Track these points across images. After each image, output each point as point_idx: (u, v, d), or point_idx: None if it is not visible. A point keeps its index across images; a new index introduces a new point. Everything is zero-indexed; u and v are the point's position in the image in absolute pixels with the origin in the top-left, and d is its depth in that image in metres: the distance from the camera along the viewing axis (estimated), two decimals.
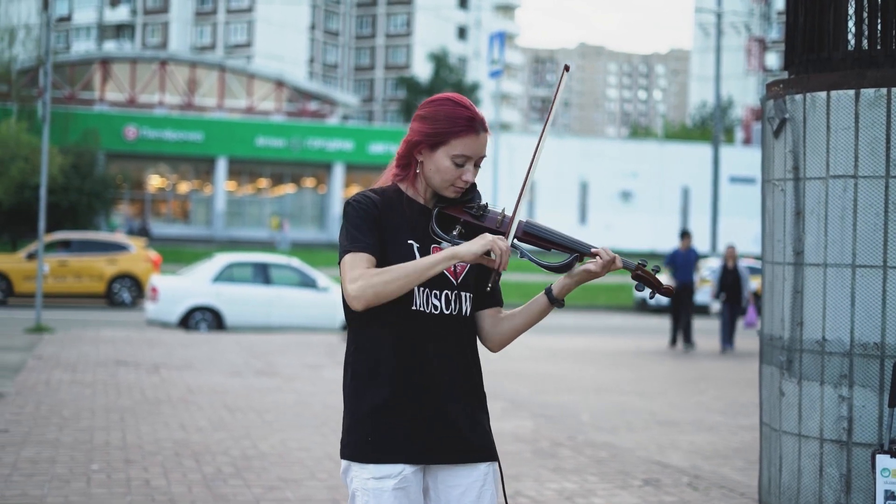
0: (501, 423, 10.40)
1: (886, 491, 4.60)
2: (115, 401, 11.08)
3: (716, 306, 20.59)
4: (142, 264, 27.92)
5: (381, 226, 3.26)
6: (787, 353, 5.02)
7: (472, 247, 3.14)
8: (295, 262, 22.40)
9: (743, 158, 63.66)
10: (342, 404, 3.39)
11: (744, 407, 12.22)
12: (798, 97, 4.99)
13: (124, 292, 27.80)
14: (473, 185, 3.38)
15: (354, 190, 63.24)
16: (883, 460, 4.60)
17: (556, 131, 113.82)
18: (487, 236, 3.14)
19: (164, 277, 22.35)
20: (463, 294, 3.35)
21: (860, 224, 4.81)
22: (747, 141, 72.27)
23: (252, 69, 69.01)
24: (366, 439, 3.24)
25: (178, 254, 42.96)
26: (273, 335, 19.65)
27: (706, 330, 22.64)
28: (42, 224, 19.49)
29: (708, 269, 27.25)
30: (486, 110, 77.43)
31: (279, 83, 66.47)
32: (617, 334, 23.52)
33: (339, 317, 21.28)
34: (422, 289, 3.26)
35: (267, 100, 65.78)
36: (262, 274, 21.45)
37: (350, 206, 3.28)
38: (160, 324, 20.75)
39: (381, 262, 3.22)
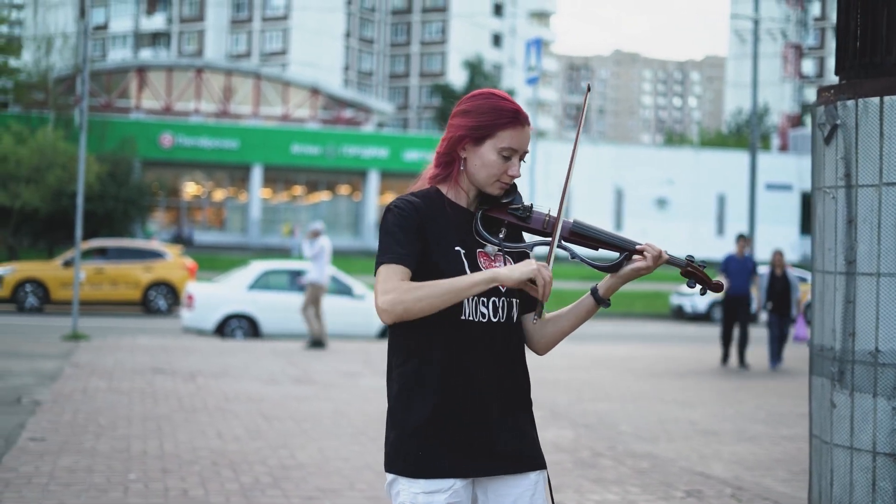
0: (541, 433, 10.21)
1: None
2: (151, 409, 11.06)
3: (763, 316, 18.67)
4: (178, 272, 28.01)
5: (424, 233, 3.17)
6: (839, 363, 4.90)
7: (514, 273, 3.07)
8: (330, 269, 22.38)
9: (779, 165, 63.31)
10: (382, 413, 3.32)
11: (784, 417, 12.07)
12: (850, 103, 4.88)
13: (160, 299, 27.90)
14: (514, 187, 3.32)
15: (390, 197, 63.45)
16: None
17: (590, 138, 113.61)
18: (533, 263, 3.09)
19: (200, 285, 22.39)
20: (511, 301, 3.27)
21: None
22: (783, 148, 71.85)
23: (287, 77, 69.23)
24: (416, 454, 3.15)
25: (213, 261, 43.09)
26: None
27: (754, 339, 22.13)
28: (79, 231, 19.56)
29: None
30: (532, 117, 77.16)
31: (314, 91, 66.61)
32: (654, 342, 23.34)
33: (376, 324, 21.26)
34: (471, 298, 3.17)
35: (302, 107, 65.94)
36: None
37: (390, 212, 3.18)
38: (196, 331, 20.78)
39: (429, 271, 3.14)
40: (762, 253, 38.58)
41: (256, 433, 9.85)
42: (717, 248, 59.59)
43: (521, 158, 3.26)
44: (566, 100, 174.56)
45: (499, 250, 3.29)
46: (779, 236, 57.37)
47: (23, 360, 14.89)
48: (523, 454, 3.25)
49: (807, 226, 65.34)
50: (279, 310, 21.00)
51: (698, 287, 3.37)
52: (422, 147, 60.09)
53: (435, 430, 3.15)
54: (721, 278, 17.34)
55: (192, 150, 56.99)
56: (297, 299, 21.15)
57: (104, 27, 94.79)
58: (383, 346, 19.14)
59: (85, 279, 26.54)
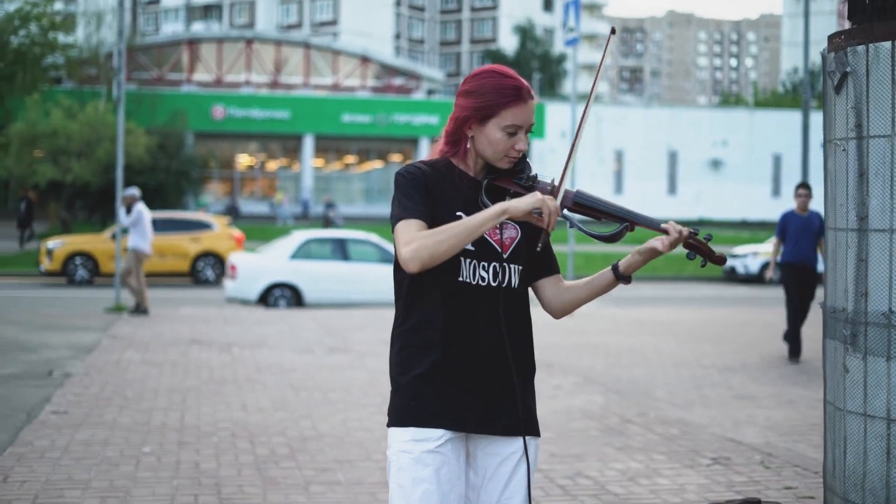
0: (572, 399, 10.08)
1: None
2: (181, 381, 10.97)
3: None
4: (225, 242, 28.04)
5: (431, 196, 3.26)
6: (852, 326, 4.64)
7: (522, 203, 3.10)
8: (374, 237, 22.24)
9: None
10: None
11: None
12: (860, 48, 4.59)
13: (208, 270, 27.96)
14: (524, 156, 3.37)
15: None
16: None
17: (643, 102, 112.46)
18: (538, 194, 3.11)
19: (243, 255, 22.34)
20: (511, 266, 3.32)
21: None
22: None
23: (337, 46, 69.06)
24: (409, 403, 3.24)
25: (265, 231, 43.13)
26: (352, 311, 19.50)
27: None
28: (120, 204, 19.56)
29: None
30: (574, 82, 76.61)
31: (364, 59, 66.42)
32: (702, 305, 22.96)
33: None
34: (469, 260, 3.25)
35: (352, 76, 65.77)
36: (341, 250, 21.32)
37: (401, 175, 3.28)
38: (240, 301, 20.74)
39: None
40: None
41: (282, 404, 9.72)
42: (773, 210, 58.79)
43: (528, 131, 3.32)
44: (620, 63, 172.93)
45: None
46: None
47: (62, 333, 14.90)
48: (516, 418, 3.30)
49: None
50: (322, 279, 20.90)
51: (699, 259, 3.36)
52: None
53: (429, 383, 3.23)
54: (775, 242, 13.84)
55: (244, 122, 57.04)
56: (340, 268, 21.05)
57: (156, 1, 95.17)
58: None
59: None
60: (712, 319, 18.88)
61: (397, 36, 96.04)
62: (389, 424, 3.30)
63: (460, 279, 3.24)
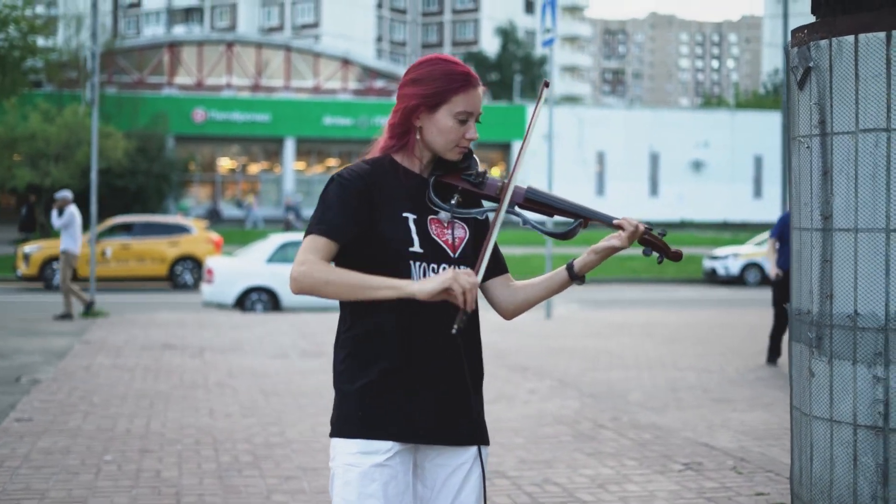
0: (545, 404, 9.96)
1: None
2: (151, 386, 10.82)
3: None
4: (203, 246, 27.85)
5: (370, 200, 3.09)
6: (817, 328, 4.52)
7: (428, 285, 2.91)
8: None
9: None
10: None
11: None
12: (823, 43, 4.47)
13: (186, 274, 27.77)
14: (470, 152, 3.25)
15: None
16: None
17: (626, 103, 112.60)
18: (448, 273, 2.92)
19: (219, 259, 22.16)
20: (461, 268, 3.16)
21: (894, 183, 4.29)
22: None
23: (318, 49, 68.84)
24: (356, 413, 3.09)
25: (244, 235, 42.90)
26: (329, 315, 19.34)
27: None
28: (94, 208, 19.43)
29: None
30: (555, 83, 76.53)
31: (345, 62, 66.21)
32: (682, 307, 22.85)
33: None
34: (419, 263, 3.11)
35: (333, 79, 65.56)
36: None
37: (333, 182, 3.12)
38: (216, 305, 20.57)
39: (374, 239, 3.08)
40: None
41: (251, 409, 9.57)
42: (754, 211, 58.85)
43: (476, 120, 3.20)
44: (602, 65, 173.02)
45: (451, 217, 3.20)
46: None
47: (35, 338, 14.73)
48: (466, 427, 3.19)
49: None
50: None
51: (655, 254, 3.25)
52: None
53: (378, 393, 3.09)
54: (771, 242, 12.99)
55: (225, 125, 56.79)
56: None
57: (137, 5, 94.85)
58: None
59: (111, 255, 26.50)
60: (692, 322, 18.77)
61: (379, 38, 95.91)
62: (333, 435, 3.15)
63: None
